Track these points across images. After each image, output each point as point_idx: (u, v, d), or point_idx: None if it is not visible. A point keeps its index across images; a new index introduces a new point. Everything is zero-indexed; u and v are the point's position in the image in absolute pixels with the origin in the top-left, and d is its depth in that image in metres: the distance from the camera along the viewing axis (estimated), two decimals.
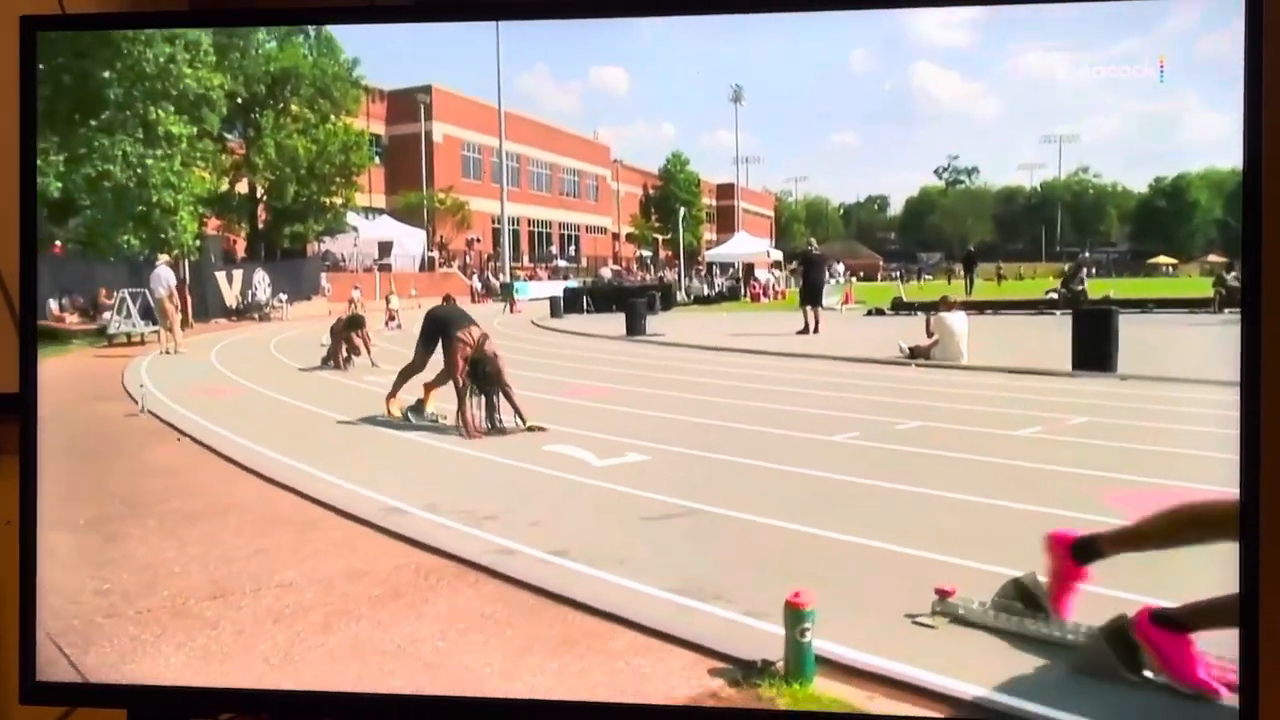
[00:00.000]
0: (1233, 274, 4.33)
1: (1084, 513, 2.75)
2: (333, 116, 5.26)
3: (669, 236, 6.29)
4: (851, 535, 3.15)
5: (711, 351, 5.52)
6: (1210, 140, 2.79)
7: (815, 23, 2.85)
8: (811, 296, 5.18)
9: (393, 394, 4.40)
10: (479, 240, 6.05)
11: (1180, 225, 4.89)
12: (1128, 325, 4.27)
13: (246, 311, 5.34)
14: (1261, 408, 2.33)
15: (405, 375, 4.42)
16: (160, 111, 4.32)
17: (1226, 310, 4.28)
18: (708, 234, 6.32)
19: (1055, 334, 4.46)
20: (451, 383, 4.29)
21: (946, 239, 5.63)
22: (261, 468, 3.87)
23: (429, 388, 4.43)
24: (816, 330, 5.13)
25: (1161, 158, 3.77)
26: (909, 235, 5.70)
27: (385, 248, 5.85)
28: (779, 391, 4.87)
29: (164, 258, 4.60)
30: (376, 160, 5.71)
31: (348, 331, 5.06)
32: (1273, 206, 2.41)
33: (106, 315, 4.57)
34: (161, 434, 4.10)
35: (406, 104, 5.75)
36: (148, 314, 4.65)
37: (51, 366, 2.92)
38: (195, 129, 4.55)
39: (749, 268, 6.24)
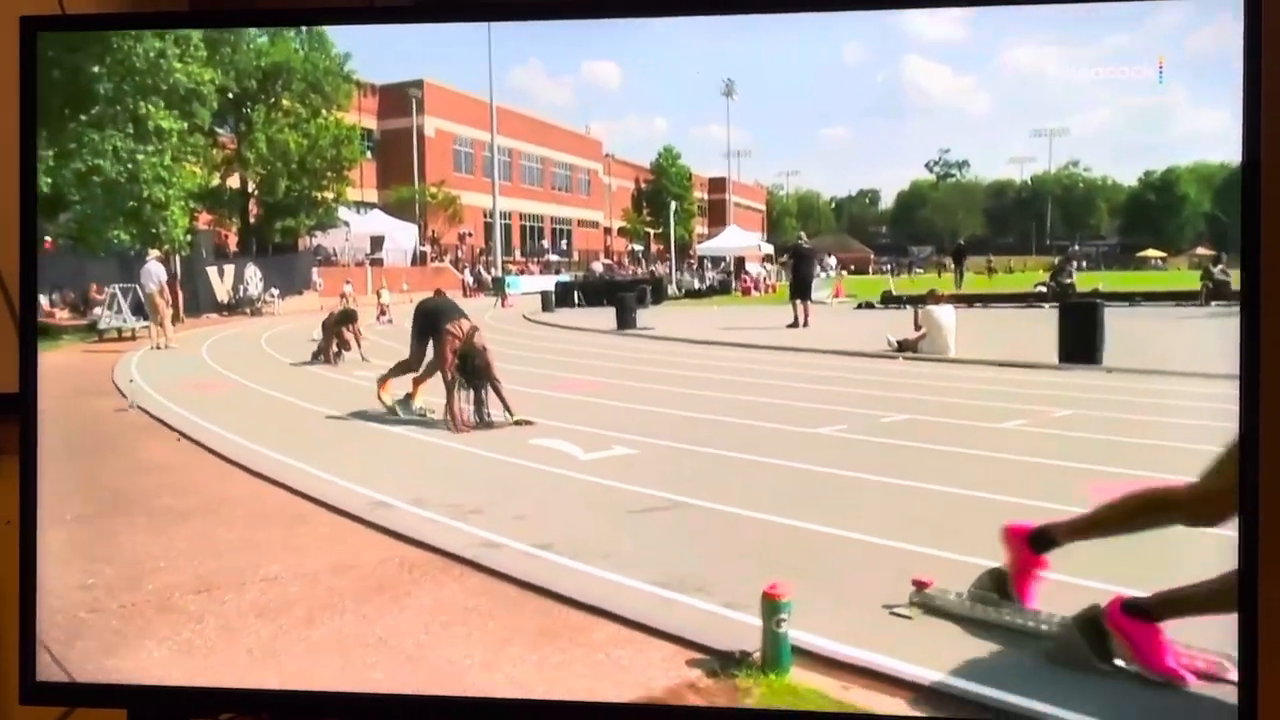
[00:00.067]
0: (1219, 267, 4.34)
1: (1067, 504, 2.75)
2: (324, 111, 5.24)
3: (660, 230, 6.29)
4: (835, 528, 3.17)
5: (701, 345, 5.53)
6: (1200, 134, 2.81)
7: (807, 18, 2.87)
8: (801, 290, 5.17)
9: (385, 380, 4.41)
10: (471, 234, 6.04)
11: (1169, 219, 4.89)
12: (1115, 318, 4.28)
13: (238, 306, 5.34)
14: (1260, 406, 2.33)
15: (402, 368, 4.44)
16: (151, 106, 4.32)
17: (1214, 303, 4.30)
18: (699, 228, 6.31)
19: (1043, 327, 4.46)
20: (440, 375, 4.31)
21: (937, 233, 5.63)
22: (252, 463, 3.88)
23: (417, 381, 4.44)
24: (806, 324, 5.13)
25: (1151, 151, 3.78)
26: (900, 229, 5.69)
27: (377, 242, 5.84)
28: (768, 385, 4.88)
29: (155, 253, 4.59)
30: (368, 155, 5.70)
31: (339, 326, 5.06)
32: (1272, 206, 2.41)
33: (97, 310, 4.57)
34: (151, 429, 4.11)
35: (398, 98, 5.73)
36: (138, 309, 4.65)
37: (43, 362, 2.91)
38: (186, 124, 4.55)
39: (740, 261, 6.23)
